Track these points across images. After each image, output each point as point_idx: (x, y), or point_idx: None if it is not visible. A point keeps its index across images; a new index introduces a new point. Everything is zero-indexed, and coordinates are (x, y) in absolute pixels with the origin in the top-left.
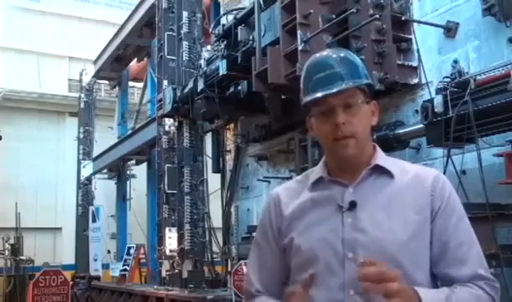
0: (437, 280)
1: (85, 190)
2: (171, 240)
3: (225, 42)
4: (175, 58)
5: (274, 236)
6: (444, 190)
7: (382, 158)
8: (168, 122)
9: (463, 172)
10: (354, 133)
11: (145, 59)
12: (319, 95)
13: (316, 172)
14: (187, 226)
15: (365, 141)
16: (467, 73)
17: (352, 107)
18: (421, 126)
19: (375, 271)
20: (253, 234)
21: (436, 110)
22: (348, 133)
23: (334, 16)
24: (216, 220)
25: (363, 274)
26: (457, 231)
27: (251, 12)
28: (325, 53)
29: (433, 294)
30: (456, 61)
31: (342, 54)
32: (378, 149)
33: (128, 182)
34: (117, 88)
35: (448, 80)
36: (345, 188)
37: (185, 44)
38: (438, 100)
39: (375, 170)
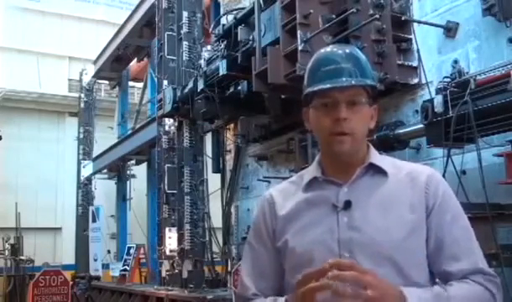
0: (435, 278)
1: (85, 190)
2: (171, 240)
3: (225, 42)
4: (175, 58)
5: (269, 238)
6: (438, 187)
7: (376, 157)
8: (168, 122)
9: (463, 172)
10: (352, 131)
11: (145, 59)
12: (327, 86)
13: (310, 172)
14: (187, 226)
15: (361, 141)
16: (467, 73)
17: (356, 105)
18: (421, 126)
19: (350, 274)
20: None
21: (436, 110)
22: (347, 130)
23: (334, 16)
24: (216, 220)
25: (339, 275)
26: (452, 228)
27: (251, 12)
28: (335, 48)
29: (421, 294)
30: (456, 61)
31: (352, 52)
32: (372, 148)
33: (128, 182)
34: (117, 88)
35: (448, 80)
36: (339, 187)
37: (185, 44)
38: (438, 100)
39: (369, 169)
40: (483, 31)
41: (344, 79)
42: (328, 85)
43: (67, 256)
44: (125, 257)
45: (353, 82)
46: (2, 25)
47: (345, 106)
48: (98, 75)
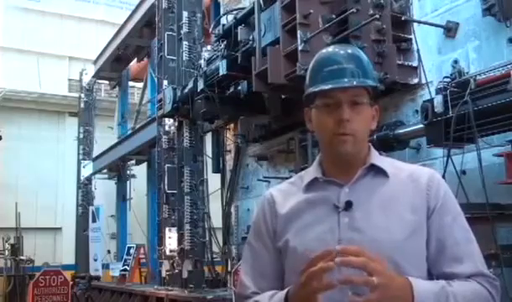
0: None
1: (85, 190)
2: (171, 240)
3: (225, 42)
4: (175, 58)
5: (269, 238)
6: (439, 189)
7: (377, 158)
8: (168, 122)
9: (463, 172)
10: (355, 132)
11: (145, 59)
12: (329, 86)
13: (311, 173)
14: (187, 226)
15: (363, 142)
16: (467, 73)
17: (358, 106)
18: (421, 126)
19: (359, 260)
20: None
21: (436, 110)
22: (350, 131)
23: (334, 16)
24: (216, 220)
25: (346, 260)
26: (453, 229)
27: (251, 12)
28: (338, 49)
29: (427, 284)
30: (456, 61)
31: (354, 52)
32: (373, 149)
33: (128, 182)
34: (117, 88)
35: (448, 80)
36: (340, 188)
37: (185, 44)
38: (438, 100)
39: (370, 170)
40: (483, 31)
41: (346, 79)
42: (330, 86)
43: (67, 256)
44: (125, 257)
45: (355, 83)
46: (2, 25)
47: (347, 106)
48: (98, 75)
